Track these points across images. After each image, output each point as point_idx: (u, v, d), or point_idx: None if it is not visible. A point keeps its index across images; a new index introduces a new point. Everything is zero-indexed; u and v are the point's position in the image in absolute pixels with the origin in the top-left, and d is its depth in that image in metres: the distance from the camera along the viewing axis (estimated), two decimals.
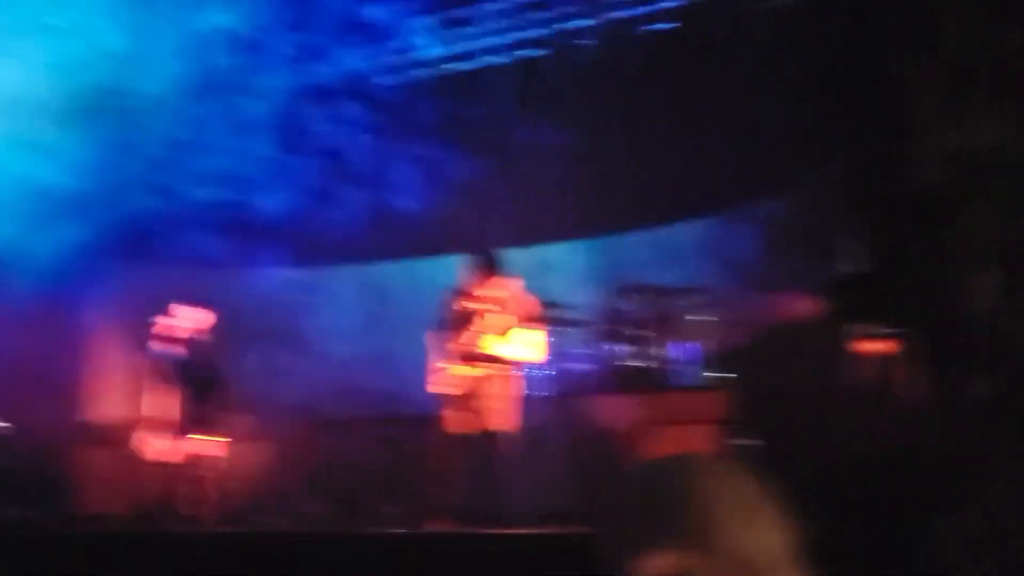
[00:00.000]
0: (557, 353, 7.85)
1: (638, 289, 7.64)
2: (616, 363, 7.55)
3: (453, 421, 5.67)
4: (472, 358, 5.74)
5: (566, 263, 8.32)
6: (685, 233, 8.10)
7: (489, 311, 5.82)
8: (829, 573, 0.89)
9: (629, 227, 8.37)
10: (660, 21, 8.20)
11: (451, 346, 5.81)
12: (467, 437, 5.63)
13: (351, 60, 8.83)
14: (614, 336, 7.70)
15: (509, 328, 5.79)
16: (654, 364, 7.41)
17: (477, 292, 5.87)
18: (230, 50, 8.15)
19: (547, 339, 6.06)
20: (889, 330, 4.89)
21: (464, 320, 5.85)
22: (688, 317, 7.49)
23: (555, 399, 7.43)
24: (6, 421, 7.83)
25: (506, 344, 5.73)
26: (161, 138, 8.36)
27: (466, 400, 5.70)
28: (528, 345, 5.83)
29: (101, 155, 7.94)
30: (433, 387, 5.85)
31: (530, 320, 5.93)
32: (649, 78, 8.10)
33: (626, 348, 7.57)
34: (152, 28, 7.77)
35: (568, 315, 8.13)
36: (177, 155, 8.44)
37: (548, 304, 8.02)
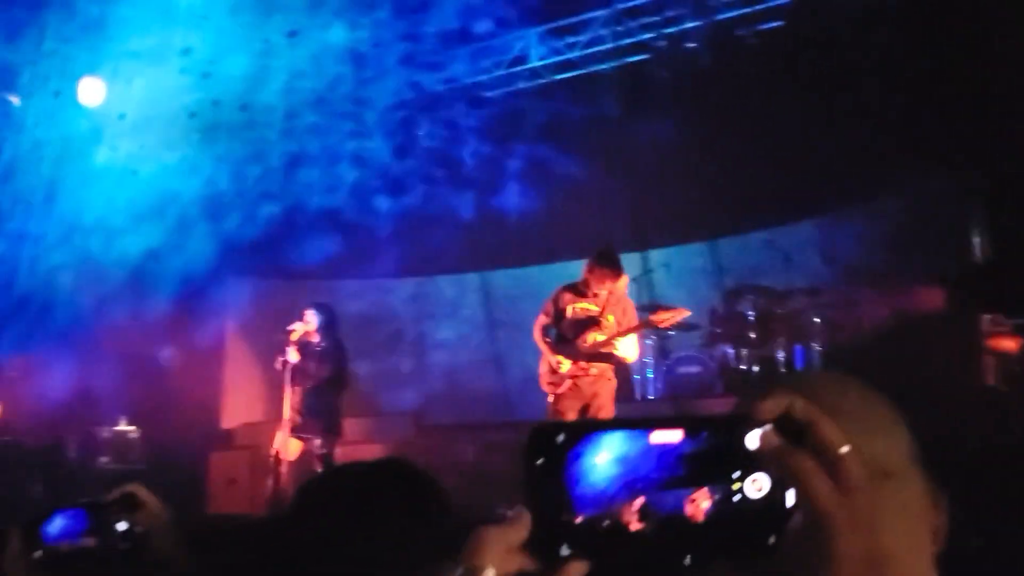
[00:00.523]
0: (669, 355, 7.85)
1: (750, 291, 7.55)
2: (728, 365, 7.47)
3: (554, 417, 5.71)
4: (583, 358, 5.75)
5: (677, 266, 8.28)
6: (797, 233, 7.94)
7: (603, 312, 5.83)
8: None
9: (740, 229, 8.27)
10: (766, 20, 8.08)
11: (562, 346, 5.85)
12: None
13: (462, 69, 9.06)
14: (726, 338, 7.63)
15: (619, 329, 5.79)
16: (767, 366, 7.30)
17: (591, 292, 5.86)
18: (346, 62, 8.52)
19: (640, 341, 6.00)
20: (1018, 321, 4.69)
21: (576, 320, 5.88)
22: (805, 318, 7.35)
23: (666, 401, 7.41)
24: (137, 425, 8.34)
25: (617, 344, 5.73)
26: (284, 150, 8.79)
27: (576, 400, 5.73)
28: (631, 346, 5.82)
29: (230, 168, 8.43)
30: (544, 386, 5.90)
31: (631, 322, 5.92)
32: (758, 77, 7.99)
33: (738, 350, 7.48)
34: (273, 44, 8.18)
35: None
36: (299, 167, 8.85)
37: (659, 307, 8.04)
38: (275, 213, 8.62)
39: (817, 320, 7.24)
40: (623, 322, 5.82)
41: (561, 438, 0.66)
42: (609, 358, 5.78)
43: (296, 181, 8.81)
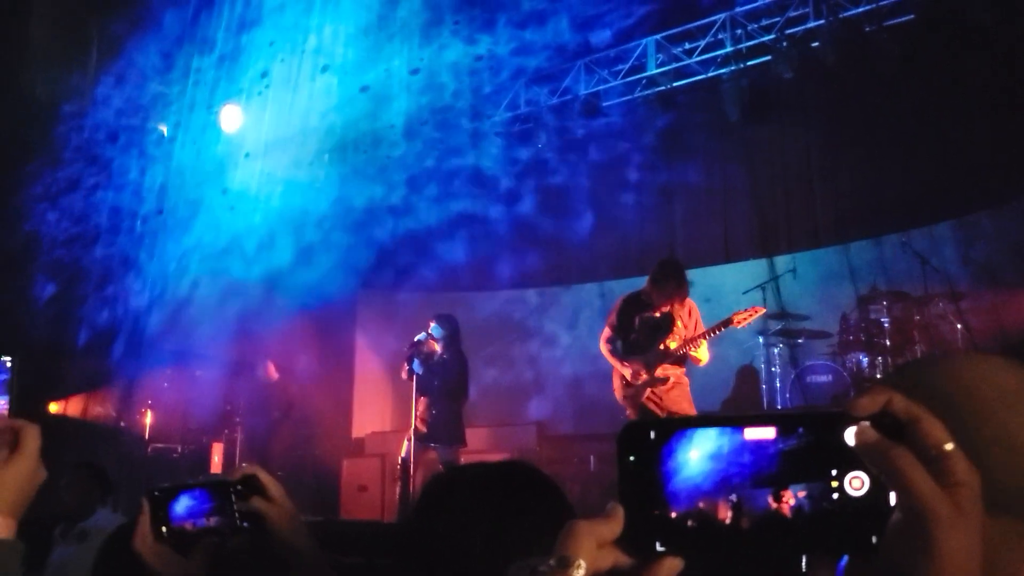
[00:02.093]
0: (798, 363, 7.59)
1: (884, 296, 7.21)
2: (862, 374, 7.15)
3: None
4: (656, 366, 5.65)
5: (805, 271, 8.02)
6: (933, 235, 7.54)
7: (675, 319, 5.71)
8: None
9: (872, 231, 7.91)
10: (895, 15, 7.73)
11: (633, 356, 5.75)
12: None
13: (580, 80, 9.10)
14: (859, 346, 7.31)
15: (690, 334, 5.67)
16: None
17: (660, 300, 5.71)
18: (464, 78, 8.72)
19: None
20: None
21: (644, 329, 5.78)
22: (944, 323, 6.96)
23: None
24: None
25: (694, 351, 5.60)
26: (407, 166, 9.08)
27: (657, 409, 5.61)
28: (704, 349, 5.66)
29: (357, 186, 8.77)
30: (621, 400, 5.79)
31: (698, 324, 5.77)
32: (888, 75, 7.66)
33: (872, 358, 7.15)
34: (394, 65, 8.47)
35: (807, 325, 7.84)
36: (421, 182, 9.11)
37: (788, 314, 7.80)
38: (400, 228, 8.90)
39: (959, 326, 6.83)
40: (690, 325, 5.70)
41: (653, 435, 0.67)
42: (682, 362, 5.67)
43: (418, 196, 9.06)
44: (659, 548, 0.65)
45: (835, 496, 0.63)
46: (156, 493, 1.43)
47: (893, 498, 0.63)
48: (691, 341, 5.59)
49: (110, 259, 8.54)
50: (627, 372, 5.71)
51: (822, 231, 8.48)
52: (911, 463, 0.62)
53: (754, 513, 0.64)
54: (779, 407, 7.51)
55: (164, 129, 9.18)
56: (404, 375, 6.73)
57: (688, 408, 5.63)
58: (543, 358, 9.10)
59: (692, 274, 6.55)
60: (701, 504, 0.65)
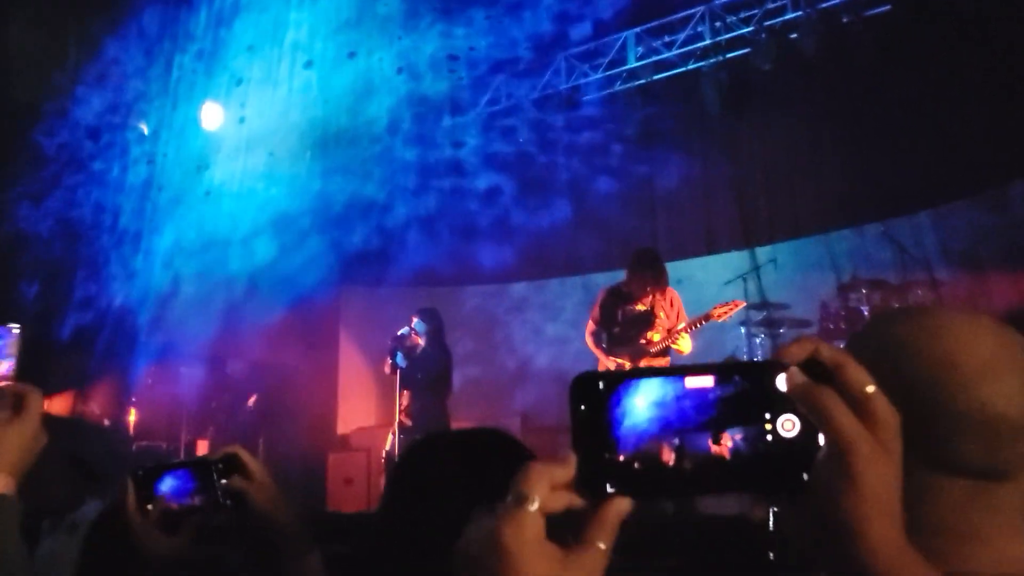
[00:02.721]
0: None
1: (864, 284, 7.27)
2: None
3: None
4: (641, 358, 5.67)
5: (785, 262, 8.09)
6: (912, 224, 7.63)
7: (653, 310, 5.75)
8: None
9: (851, 221, 7.99)
10: (873, 5, 7.80)
11: (618, 349, 5.76)
12: None
13: (559, 74, 9.14)
14: (839, 335, 7.37)
15: (673, 325, 5.71)
16: None
17: (640, 291, 5.76)
18: (444, 72, 8.74)
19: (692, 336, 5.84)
20: None
21: (628, 322, 5.80)
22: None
23: None
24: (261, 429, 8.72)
25: (675, 344, 5.64)
26: (388, 161, 9.09)
27: None
28: (686, 340, 5.71)
29: (339, 181, 8.78)
30: None
31: (680, 316, 5.81)
32: (866, 65, 7.74)
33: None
34: (374, 59, 8.48)
35: (789, 314, 7.91)
36: (402, 176, 9.13)
37: (769, 304, 7.86)
38: (382, 223, 8.91)
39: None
40: (672, 316, 5.74)
41: (602, 385, 0.71)
42: (666, 353, 5.72)
43: (400, 191, 9.08)
44: (609, 490, 0.69)
45: (769, 438, 0.68)
46: (140, 473, 1.46)
47: (821, 439, 0.67)
48: (674, 333, 5.64)
49: (91, 257, 8.51)
50: (612, 365, 5.75)
51: (802, 221, 8.55)
52: (835, 402, 0.67)
53: (695, 455, 0.68)
54: None
55: (144, 127, 9.15)
56: (387, 369, 6.75)
57: None
58: (526, 351, 9.14)
59: (674, 266, 6.60)
60: (647, 447, 0.69)
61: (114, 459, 7.57)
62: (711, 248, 8.98)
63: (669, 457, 0.68)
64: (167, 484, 1.45)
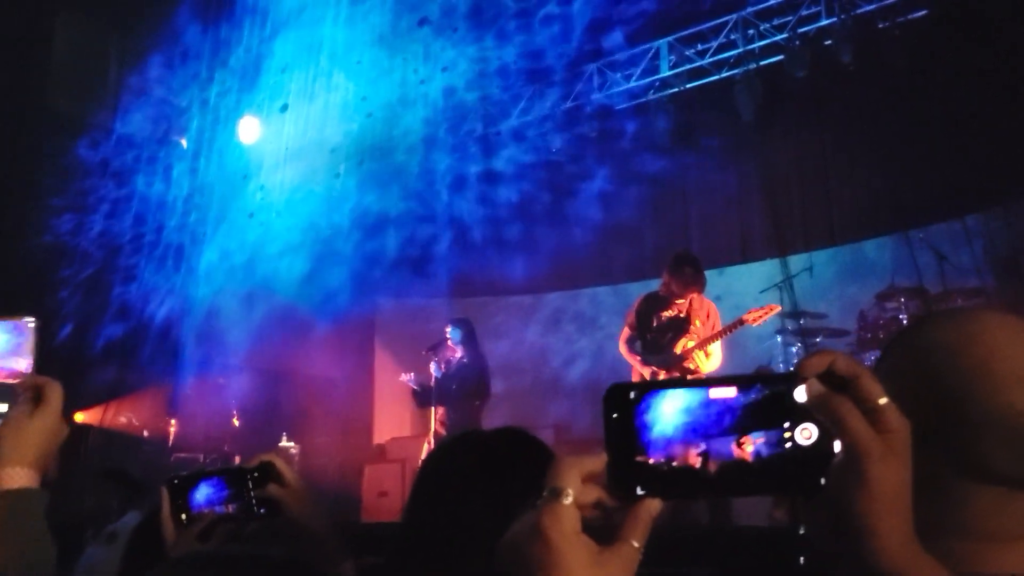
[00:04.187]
0: None
1: (902, 292, 7.16)
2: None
3: None
4: (676, 366, 5.63)
5: (821, 270, 8.00)
6: (951, 231, 7.50)
7: (689, 318, 5.69)
8: None
9: (889, 228, 7.88)
10: (908, 11, 7.71)
11: (653, 357, 5.72)
12: None
13: (592, 84, 9.15)
14: (877, 344, 7.27)
15: (709, 333, 5.64)
16: None
17: (674, 299, 5.70)
18: (475, 85, 8.79)
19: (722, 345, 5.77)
20: None
21: (663, 329, 5.77)
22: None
23: None
24: (296, 442, 8.80)
25: (709, 349, 5.57)
26: (423, 174, 9.16)
27: None
28: (714, 354, 5.64)
29: (374, 194, 8.86)
30: None
31: (716, 324, 5.74)
32: (903, 71, 7.64)
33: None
34: (408, 74, 8.56)
35: (825, 324, 7.81)
36: (437, 188, 9.19)
37: (805, 313, 7.77)
38: (416, 234, 8.97)
39: None
40: (708, 325, 5.68)
41: (632, 395, 0.76)
42: (700, 363, 5.65)
43: (435, 203, 9.14)
44: (639, 492, 0.74)
45: (788, 445, 0.73)
46: (175, 481, 1.48)
47: (837, 447, 0.72)
48: (708, 340, 5.58)
49: (130, 269, 8.67)
50: (646, 373, 5.71)
51: (838, 229, 8.45)
52: (850, 410, 0.72)
53: (720, 459, 0.73)
54: None
55: (184, 142, 9.32)
56: (408, 381, 6.77)
57: None
58: (559, 361, 9.13)
59: (708, 275, 6.53)
60: (674, 452, 0.74)
61: (153, 470, 7.70)
62: (746, 256, 8.92)
63: (695, 461, 0.73)
64: (202, 492, 1.46)
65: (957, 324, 0.98)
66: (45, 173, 7.99)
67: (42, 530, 1.18)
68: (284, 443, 8.86)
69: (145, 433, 8.74)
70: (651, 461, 0.74)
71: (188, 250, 9.02)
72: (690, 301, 5.70)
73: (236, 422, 8.59)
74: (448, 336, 6.77)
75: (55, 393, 1.27)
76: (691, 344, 5.62)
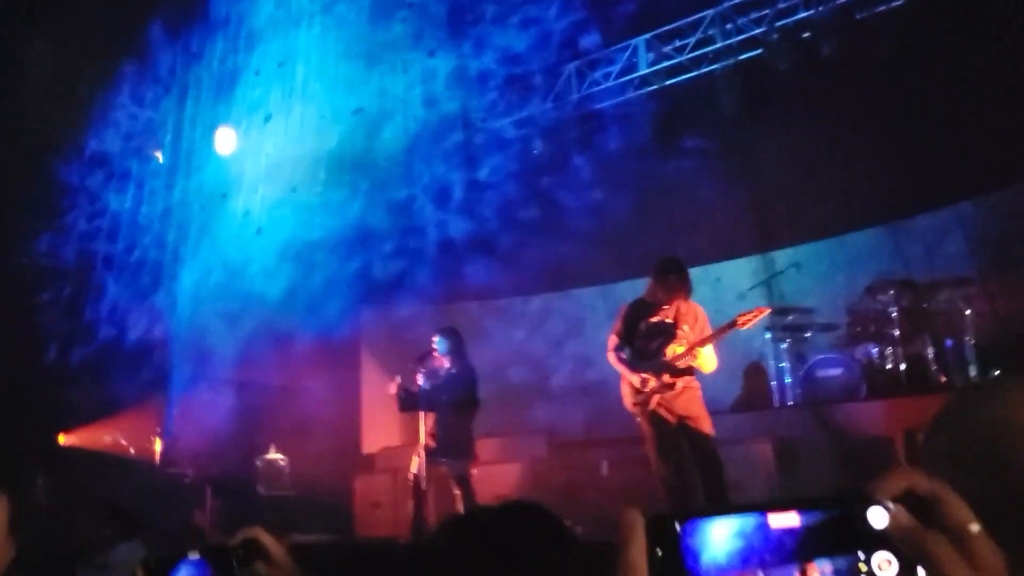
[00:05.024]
0: (806, 359, 7.53)
1: (891, 285, 7.13)
2: (872, 366, 7.08)
3: (652, 435, 5.54)
4: (666, 372, 5.57)
5: (809, 265, 7.96)
6: (937, 222, 7.48)
7: (676, 323, 5.64)
8: None
9: (875, 220, 7.85)
10: (885, 1, 7.67)
11: (641, 363, 5.65)
12: (675, 446, 5.49)
13: (570, 84, 9.08)
14: (867, 337, 7.25)
15: (697, 337, 5.58)
16: (915, 364, 6.88)
17: (660, 305, 5.65)
18: (454, 90, 8.71)
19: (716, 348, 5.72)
20: None
21: (651, 335, 5.71)
22: (953, 310, 6.88)
23: (806, 407, 7.11)
24: (284, 454, 8.73)
25: (698, 354, 5.51)
26: (406, 182, 9.07)
27: (669, 414, 5.53)
28: (711, 355, 5.58)
29: (351, 205, 8.77)
30: (630, 407, 5.70)
31: (705, 328, 5.69)
32: (883, 62, 7.60)
33: (882, 349, 7.08)
34: (385, 82, 8.48)
35: (815, 319, 7.79)
36: (419, 197, 9.10)
37: (794, 309, 7.74)
38: (401, 244, 8.89)
39: (967, 312, 6.76)
40: (696, 329, 5.62)
41: (677, 525, 0.68)
42: (690, 369, 5.59)
43: (417, 210, 9.06)
44: None
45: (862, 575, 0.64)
46: (152, 564, 1.36)
47: None
48: (697, 344, 5.52)
49: (113, 289, 8.56)
50: (635, 380, 5.64)
51: (824, 222, 8.41)
52: (944, 548, 0.62)
53: None
54: (789, 404, 7.46)
55: (159, 155, 9.20)
56: (392, 389, 6.70)
57: (700, 412, 5.54)
58: (549, 364, 9.06)
59: (695, 272, 6.48)
60: None
61: (141, 497, 7.60)
62: (732, 253, 8.86)
63: None
64: (182, 574, 1.35)
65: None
66: (23, 194, 7.87)
67: None
68: (272, 455, 8.79)
69: (132, 452, 8.66)
70: None
71: (169, 267, 8.92)
72: (676, 307, 5.64)
73: (222, 437, 8.52)
74: (435, 347, 6.67)
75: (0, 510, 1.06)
76: (680, 350, 5.56)
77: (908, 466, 0.67)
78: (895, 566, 0.63)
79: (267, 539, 1.36)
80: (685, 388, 5.55)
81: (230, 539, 1.39)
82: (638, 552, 0.66)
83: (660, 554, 0.66)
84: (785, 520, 0.65)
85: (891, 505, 0.64)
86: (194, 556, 1.36)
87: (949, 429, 0.71)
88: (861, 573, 0.64)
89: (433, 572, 1.29)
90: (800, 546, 0.65)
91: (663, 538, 0.67)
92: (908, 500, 0.64)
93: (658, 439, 5.54)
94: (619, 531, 0.67)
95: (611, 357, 5.81)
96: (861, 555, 0.64)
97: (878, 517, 0.64)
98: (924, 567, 0.62)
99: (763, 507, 0.66)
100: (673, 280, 5.57)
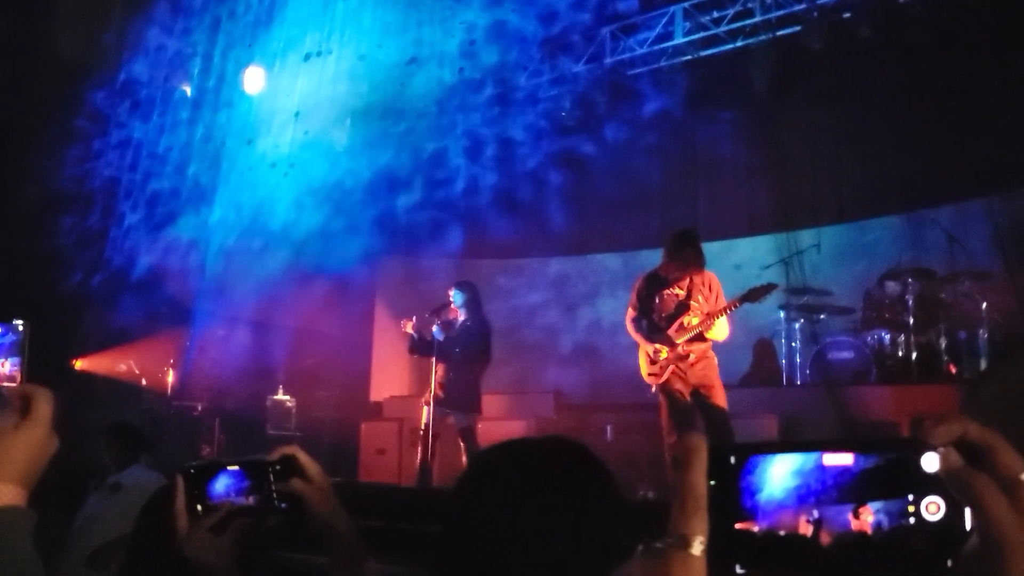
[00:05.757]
0: (819, 339, 7.56)
1: (910, 273, 7.14)
2: (883, 351, 7.12)
3: (665, 405, 5.60)
4: (680, 343, 5.62)
5: (830, 246, 7.96)
6: (962, 213, 7.45)
7: (690, 295, 5.66)
8: None
9: (900, 207, 7.82)
10: None
11: (657, 335, 5.67)
12: (688, 417, 5.54)
13: (605, 49, 8.99)
14: (881, 323, 7.27)
15: (711, 309, 5.61)
16: (926, 353, 6.91)
17: (673, 277, 5.67)
18: (490, 46, 8.64)
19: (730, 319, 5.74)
20: None
21: (666, 307, 5.70)
22: (970, 303, 6.89)
23: (816, 388, 7.16)
24: (293, 396, 8.83)
25: (713, 325, 5.54)
26: (434, 135, 9.03)
27: (683, 384, 5.57)
28: (723, 325, 5.61)
29: (378, 153, 8.75)
30: (647, 378, 5.72)
31: (719, 300, 5.71)
32: (921, 47, 7.51)
33: (895, 336, 7.10)
34: (421, 33, 8.40)
35: (830, 301, 7.81)
36: (448, 151, 9.07)
37: (810, 289, 7.75)
38: (423, 196, 8.88)
39: (984, 305, 6.77)
40: (711, 300, 5.65)
41: (733, 460, 0.70)
42: (701, 337, 5.62)
43: (443, 163, 9.03)
44: (739, 571, 0.68)
45: (912, 520, 0.66)
46: (192, 470, 1.40)
47: (968, 522, 0.65)
48: (712, 315, 5.55)
49: (136, 220, 8.60)
50: (650, 350, 5.69)
51: (847, 206, 8.39)
52: (993, 492, 0.64)
53: (834, 529, 0.67)
54: (798, 383, 7.52)
55: (188, 89, 9.17)
56: (404, 327, 6.74)
57: (715, 382, 5.59)
58: (562, 327, 9.10)
59: (715, 246, 6.51)
60: (783, 519, 0.68)
61: (152, 422, 7.70)
62: (752, 229, 8.85)
63: (807, 530, 0.67)
64: (221, 483, 1.39)
65: None
66: (50, 120, 7.87)
67: (27, 553, 1.07)
68: (280, 396, 8.89)
69: (144, 382, 8.76)
70: (756, 528, 0.67)
71: (187, 200, 8.93)
72: (690, 278, 5.66)
73: (234, 373, 8.62)
74: (451, 299, 6.71)
75: (45, 403, 1.14)
76: (695, 321, 5.59)
77: (962, 414, 0.68)
78: (943, 509, 0.66)
79: (304, 457, 1.39)
80: (700, 358, 5.60)
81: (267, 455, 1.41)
82: (699, 475, 0.69)
83: (714, 485, 0.69)
84: (839, 459, 0.67)
85: (943, 450, 0.66)
86: (233, 467, 1.40)
87: (983, 388, 0.73)
88: (910, 515, 0.66)
89: (475, 497, 1.26)
90: (855, 488, 0.67)
91: (718, 471, 0.70)
92: (961, 447, 0.66)
93: (671, 409, 5.60)
94: (682, 453, 0.69)
95: (630, 327, 5.85)
96: (911, 497, 0.66)
97: (931, 462, 0.66)
98: (972, 510, 0.65)
99: (819, 445, 0.68)
100: (689, 255, 5.59)
